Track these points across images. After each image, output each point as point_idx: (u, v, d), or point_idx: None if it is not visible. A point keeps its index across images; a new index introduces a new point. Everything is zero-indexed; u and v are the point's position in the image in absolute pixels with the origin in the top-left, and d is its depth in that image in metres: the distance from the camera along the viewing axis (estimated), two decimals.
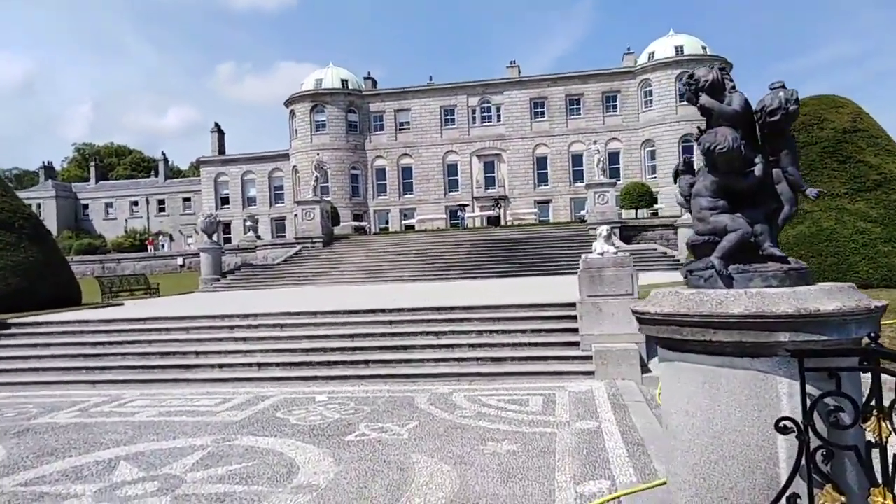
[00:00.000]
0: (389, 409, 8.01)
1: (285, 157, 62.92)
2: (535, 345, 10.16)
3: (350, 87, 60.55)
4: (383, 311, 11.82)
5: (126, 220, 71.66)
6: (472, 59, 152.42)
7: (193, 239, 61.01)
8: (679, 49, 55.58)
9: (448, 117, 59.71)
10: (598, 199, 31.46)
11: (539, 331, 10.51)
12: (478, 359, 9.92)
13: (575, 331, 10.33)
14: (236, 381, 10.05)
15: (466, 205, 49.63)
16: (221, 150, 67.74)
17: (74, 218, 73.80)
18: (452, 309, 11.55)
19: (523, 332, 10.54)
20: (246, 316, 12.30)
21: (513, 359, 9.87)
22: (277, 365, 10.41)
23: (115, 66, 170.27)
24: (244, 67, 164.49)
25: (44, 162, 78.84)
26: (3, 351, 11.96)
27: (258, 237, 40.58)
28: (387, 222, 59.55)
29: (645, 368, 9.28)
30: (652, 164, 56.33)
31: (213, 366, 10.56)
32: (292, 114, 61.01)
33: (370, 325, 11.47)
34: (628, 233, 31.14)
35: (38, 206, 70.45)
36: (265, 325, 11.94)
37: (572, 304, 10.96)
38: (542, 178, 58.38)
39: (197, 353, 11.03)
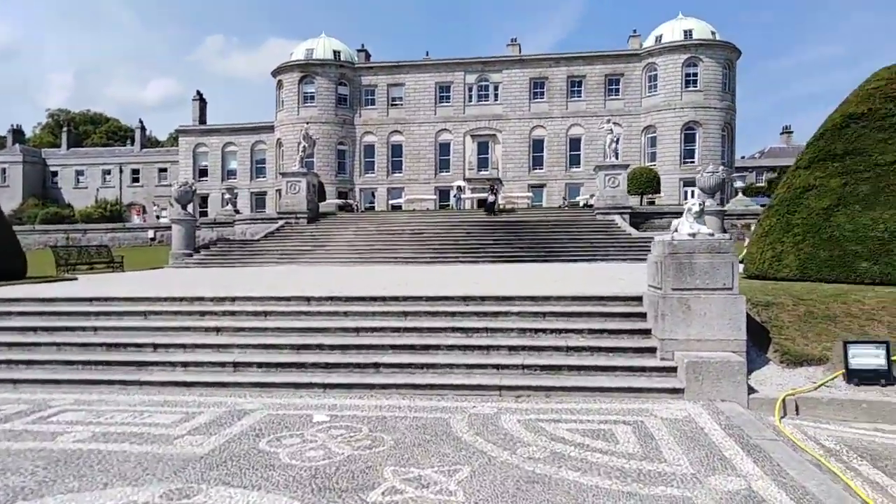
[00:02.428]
0: (420, 441, 5.67)
1: (270, 129, 59.66)
2: (597, 349, 7.87)
3: (342, 58, 57.31)
4: (395, 298, 9.42)
5: (97, 190, 67.85)
6: (471, 36, 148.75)
7: (167, 212, 57.67)
8: (688, 33, 53.09)
9: (443, 94, 56.87)
10: (609, 183, 29.18)
11: (599, 331, 8.21)
12: (523, 366, 7.60)
13: (645, 332, 8.07)
14: (205, 387, 7.62)
15: (462, 186, 47.01)
16: (202, 120, 64.21)
17: (42, 185, 69.76)
18: (483, 299, 9.17)
19: (579, 332, 8.22)
20: (221, 299, 9.82)
21: (570, 368, 7.56)
22: (259, 366, 8.00)
23: (99, 36, 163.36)
24: (232, 42, 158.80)
25: (12, 125, 74.29)
26: None
27: (237, 211, 37.71)
28: (373, 201, 56.82)
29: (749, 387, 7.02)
30: (652, 151, 54.25)
31: (174, 364, 8.10)
32: (280, 84, 57.70)
33: (379, 316, 9.08)
34: (636, 220, 29.08)
35: (3, 171, 66.66)
36: (245, 311, 9.48)
37: (638, 298, 8.72)
38: (538, 162, 55.98)
39: (155, 347, 8.55)
